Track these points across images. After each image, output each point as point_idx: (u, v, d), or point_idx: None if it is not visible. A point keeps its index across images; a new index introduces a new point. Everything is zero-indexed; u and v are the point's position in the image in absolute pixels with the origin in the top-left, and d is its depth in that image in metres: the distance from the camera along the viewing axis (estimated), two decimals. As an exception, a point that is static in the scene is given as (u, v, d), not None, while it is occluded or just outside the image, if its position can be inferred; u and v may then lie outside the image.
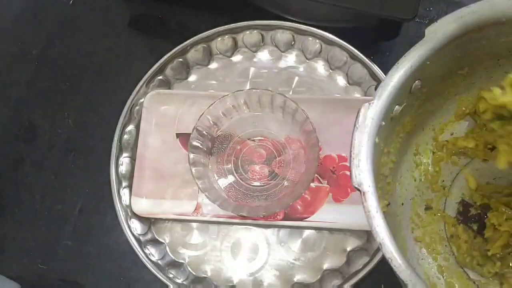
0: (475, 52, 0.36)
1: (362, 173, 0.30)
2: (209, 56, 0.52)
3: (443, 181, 0.43)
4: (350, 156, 0.31)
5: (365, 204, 0.29)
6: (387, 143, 0.37)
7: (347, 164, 0.47)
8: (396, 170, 0.39)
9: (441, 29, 0.32)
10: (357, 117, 0.31)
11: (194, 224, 0.47)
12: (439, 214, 0.42)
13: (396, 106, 0.34)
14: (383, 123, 0.32)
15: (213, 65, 0.52)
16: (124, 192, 0.47)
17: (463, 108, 0.42)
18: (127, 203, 0.47)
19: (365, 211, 0.29)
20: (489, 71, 0.38)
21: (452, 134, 0.43)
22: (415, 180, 0.42)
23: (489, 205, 0.41)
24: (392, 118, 0.34)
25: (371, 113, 0.31)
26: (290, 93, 0.50)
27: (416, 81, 0.34)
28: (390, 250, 0.28)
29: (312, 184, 0.46)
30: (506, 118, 0.31)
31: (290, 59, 0.51)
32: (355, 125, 0.31)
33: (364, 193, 0.30)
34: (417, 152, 0.42)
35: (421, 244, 0.41)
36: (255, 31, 0.51)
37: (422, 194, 0.42)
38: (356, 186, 0.30)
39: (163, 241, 0.47)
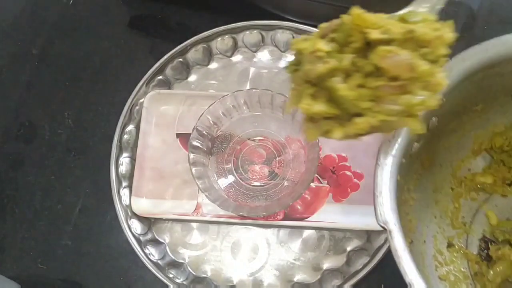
0: (489, 89, 0.36)
1: (387, 211, 0.30)
2: (209, 56, 0.52)
3: (463, 217, 0.42)
4: (374, 194, 0.31)
5: (392, 242, 0.29)
6: (407, 180, 0.37)
7: (347, 164, 0.47)
8: (417, 207, 0.39)
9: (455, 67, 0.33)
10: (378, 154, 0.31)
11: (194, 224, 0.47)
12: (461, 252, 0.42)
13: (415, 143, 0.34)
14: (404, 160, 0.32)
15: (213, 65, 0.52)
16: (124, 192, 0.47)
17: (479, 144, 0.42)
18: (127, 203, 0.47)
19: (392, 249, 0.29)
20: (503, 106, 0.39)
21: (469, 170, 0.43)
22: (435, 217, 0.42)
23: (510, 241, 0.41)
24: (411, 155, 0.35)
25: (392, 150, 0.31)
26: (290, 93, 0.50)
27: (433, 118, 0.35)
28: None
29: (312, 184, 0.46)
30: (299, 64, 0.29)
31: (290, 59, 0.51)
32: (376, 163, 0.31)
33: (390, 231, 0.29)
34: (436, 188, 0.42)
35: (445, 283, 0.40)
36: (255, 31, 0.51)
37: (444, 231, 0.42)
38: (382, 224, 0.30)
39: (163, 241, 0.47)
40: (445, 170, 0.42)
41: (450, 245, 0.42)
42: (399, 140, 0.32)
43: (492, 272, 0.39)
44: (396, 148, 0.32)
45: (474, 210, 0.43)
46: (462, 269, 0.41)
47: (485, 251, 0.42)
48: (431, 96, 0.26)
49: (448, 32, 0.26)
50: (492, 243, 0.42)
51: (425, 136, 0.35)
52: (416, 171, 0.38)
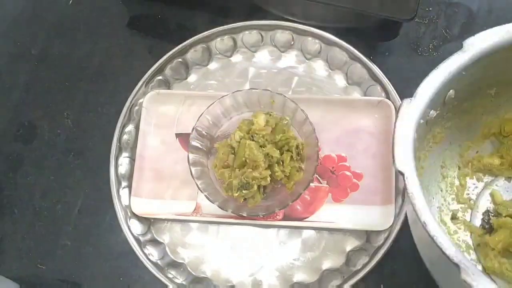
0: (505, 73, 0.37)
1: (405, 156, 0.31)
2: (208, 56, 0.52)
3: (468, 194, 0.44)
4: (393, 140, 0.32)
5: (408, 186, 0.31)
6: (420, 148, 0.38)
7: (347, 164, 0.47)
8: (425, 177, 0.40)
9: (478, 43, 0.34)
10: (399, 109, 0.33)
11: (194, 224, 0.47)
12: (465, 224, 0.43)
13: (431, 111, 0.35)
14: (422, 121, 0.34)
15: (213, 65, 0.52)
16: (124, 192, 0.47)
17: (489, 128, 0.43)
18: (127, 203, 0.47)
19: (408, 193, 0.31)
20: None
21: (477, 152, 0.44)
22: (441, 191, 0.43)
23: None
24: (427, 122, 0.36)
25: (413, 107, 0.33)
26: (290, 93, 0.50)
27: (450, 91, 0.36)
28: (434, 228, 0.29)
29: (312, 184, 0.46)
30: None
31: (290, 59, 0.51)
32: (397, 116, 0.33)
33: (407, 177, 0.31)
34: (444, 164, 0.43)
35: None
36: (254, 31, 0.51)
37: (448, 204, 0.43)
38: (399, 169, 0.31)
39: (162, 241, 0.47)
40: (454, 149, 0.43)
41: (454, 218, 0.43)
42: (419, 99, 0.33)
43: (496, 238, 0.40)
44: (417, 105, 0.33)
45: (480, 188, 0.44)
46: (465, 240, 0.42)
47: (488, 222, 0.42)
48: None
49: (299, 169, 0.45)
50: (496, 217, 0.42)
51: (440, 107, 0.36)
52: (428, 143, 0.40)
